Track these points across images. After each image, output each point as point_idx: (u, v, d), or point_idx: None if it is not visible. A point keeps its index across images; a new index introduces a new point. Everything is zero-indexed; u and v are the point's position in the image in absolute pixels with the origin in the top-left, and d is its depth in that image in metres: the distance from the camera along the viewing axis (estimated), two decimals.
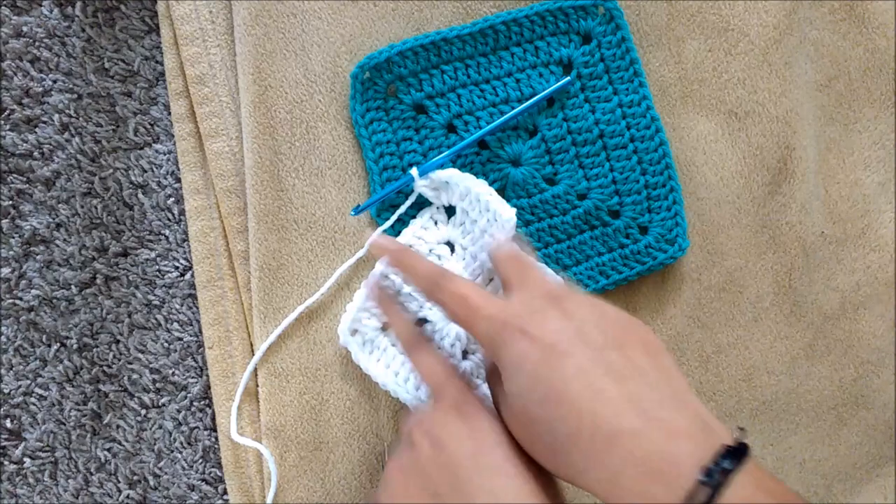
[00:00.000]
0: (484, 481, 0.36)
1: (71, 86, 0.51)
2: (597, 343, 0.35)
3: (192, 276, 0.52)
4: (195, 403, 0.52)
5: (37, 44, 0.51)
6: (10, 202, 0.51)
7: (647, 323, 0.54)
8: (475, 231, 0.48)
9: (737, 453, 0.32)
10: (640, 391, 0.34)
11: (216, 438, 0.52)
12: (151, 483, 0.52)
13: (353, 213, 0.49)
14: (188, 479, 0.52)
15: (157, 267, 0.52)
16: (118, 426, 0.52)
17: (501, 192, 0.51)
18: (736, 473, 0.31)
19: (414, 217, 0.50)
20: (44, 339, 0.51)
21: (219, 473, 0.52)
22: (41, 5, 0.51)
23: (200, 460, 0.52)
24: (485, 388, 0.49)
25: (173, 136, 0.52)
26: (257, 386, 0.51)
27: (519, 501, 0.35)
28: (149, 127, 0.52)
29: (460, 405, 0.39)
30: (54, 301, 0.51)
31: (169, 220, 0.52)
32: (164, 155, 0.52)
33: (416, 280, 0.43)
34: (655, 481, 0.31)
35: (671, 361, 0.36)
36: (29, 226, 0.51)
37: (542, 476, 0.37)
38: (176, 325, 0.52)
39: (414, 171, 0.48)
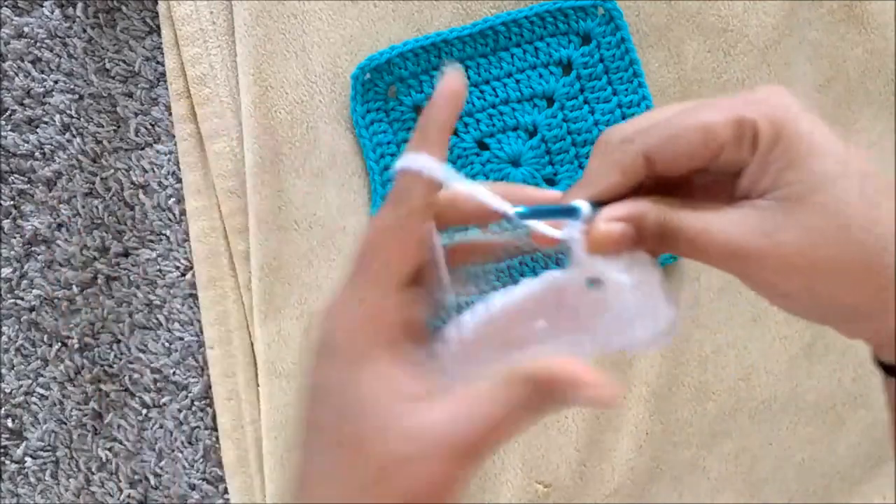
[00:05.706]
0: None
1: (72, 86, 0.51)
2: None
3: (193, 275, 0.52)
4: (196, 403, 0.52)
5: (38, 44, 0.51)
6: (12, 202, 0.51)
7: None
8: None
9: None
10: None
11: (217, 438, 0.52)
12: (152, 482, 0.52)
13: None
14: (189, 478, 0.53)
15: (157, 267, 0.52)
16: (119, 426, 0.52)
17: None
18: None
19: None
20: (45, 339, 0.52)
21: (220, 473, 0.53)
22: (42, 6, 0.51)
23: (201, 459, 0.53)
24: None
25: (174, 136, 0.52)
26: (258, 386, 0.51)
27: None
28: (150, 127, 0.52)
29: None
30: (55, 301, 0.52)
31: (170, 220, 0.52)
32: (165, 155, 0.52)
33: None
34: None
35: None
36: (30, 226, 0.51)
37: None
38: (177, 324, 0.52)
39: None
